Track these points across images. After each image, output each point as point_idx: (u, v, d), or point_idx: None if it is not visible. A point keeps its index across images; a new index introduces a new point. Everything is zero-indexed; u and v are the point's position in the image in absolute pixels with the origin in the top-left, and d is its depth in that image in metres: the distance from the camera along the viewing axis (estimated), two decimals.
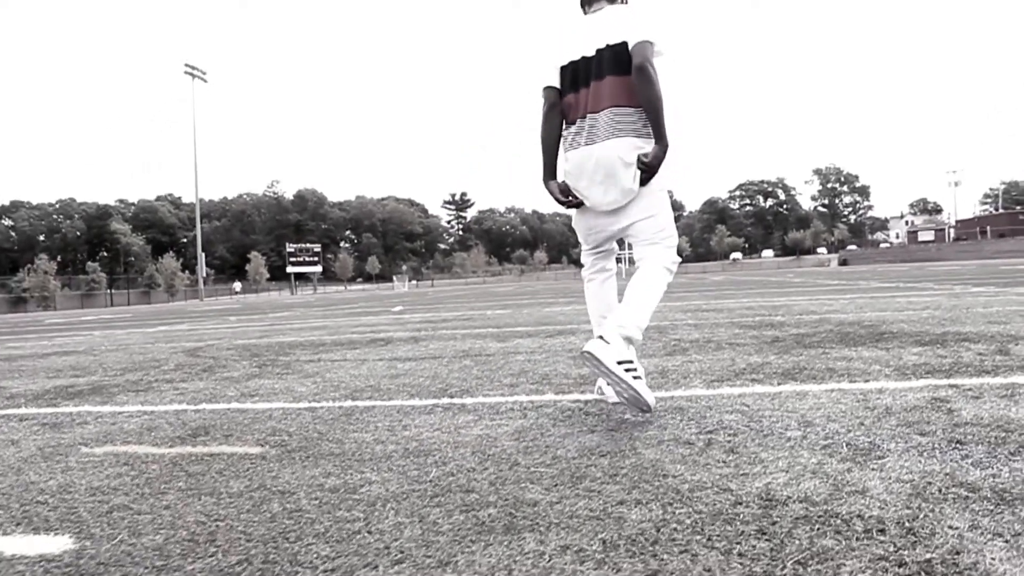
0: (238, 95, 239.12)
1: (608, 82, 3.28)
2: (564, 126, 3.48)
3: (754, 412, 3.03)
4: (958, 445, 2.34)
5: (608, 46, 3.29)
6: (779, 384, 3.65)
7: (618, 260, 3.64)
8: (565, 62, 3.43)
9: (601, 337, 3.00)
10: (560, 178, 3.50)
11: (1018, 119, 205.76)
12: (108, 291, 79.56)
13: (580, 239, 3.66)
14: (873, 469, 2.13)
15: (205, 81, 74.02)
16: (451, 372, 4.86)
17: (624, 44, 3.24)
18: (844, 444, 2.43)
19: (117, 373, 6.04)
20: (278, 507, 2.13)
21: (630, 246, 3.48)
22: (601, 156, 3.26)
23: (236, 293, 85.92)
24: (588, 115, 3.31)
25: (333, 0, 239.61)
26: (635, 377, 2.98)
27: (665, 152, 3.18)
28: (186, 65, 71.74)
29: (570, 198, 3.44)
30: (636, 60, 3.18)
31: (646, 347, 5.53)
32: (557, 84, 3.46)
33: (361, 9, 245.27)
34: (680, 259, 3.56)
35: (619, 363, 2.94)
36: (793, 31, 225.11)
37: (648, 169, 3.20)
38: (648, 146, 3.22)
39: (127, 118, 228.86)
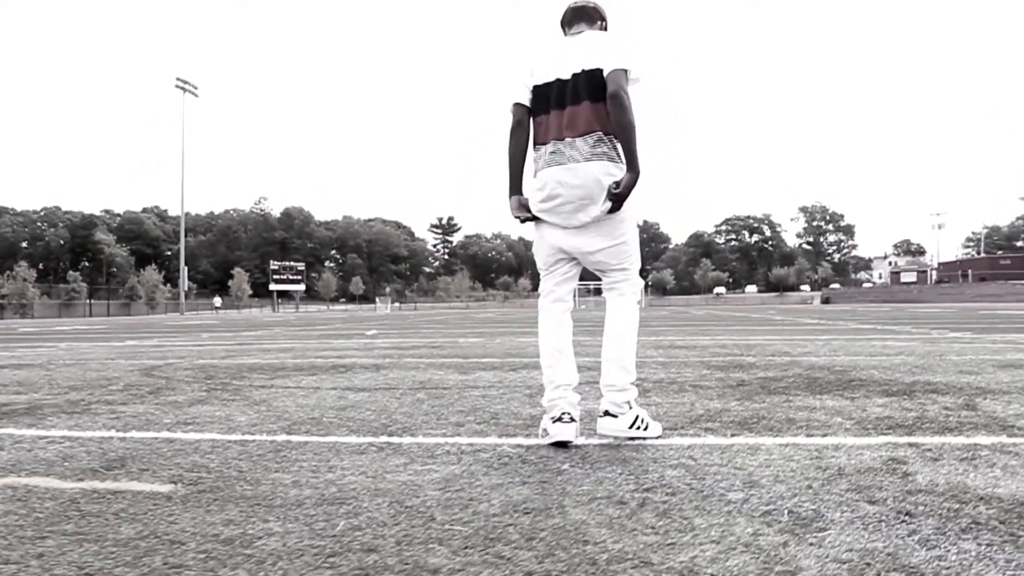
0: (228, 111, 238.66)
1: (586, 107, 3.29)
2: (535, 146, 3.48)
3: (699, 467, 2.85)
4: (907, 518, 2.16)
5: (584, 71, 3.31)
6: (733, 436, 3.47)
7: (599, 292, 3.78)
8: (540, 82, 3.43)
9: (607, 412, 3.34)
10: (527, 195, 3.50)
11: (1001, 165, 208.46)
12: (88, 301, 78.82)
13: (539, 262, 3.60)
14: (811, 544, 1.95)
15: (196, 95, 73.83)
16: (400, 406, 4.66)
17: (599, 70, 3.28)
18: (786, 511, 2.25)
19: (62, 392, 5.80)
20: (160, 561, 1.94)
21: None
22: (579, 177, 3.26)
23: (217, 309, 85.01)
24: (566, 138, 3.31)
25: (327, 21, 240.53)
26: (645, 428, 3.38)
27: (636, 180, 3.22)
28: (178, 79, 71.53)
29: (526, 213, 3.46)
30: (610, 88, 3.22)
31: None
32: (526, 101, 3.46)
33: (354, 31, 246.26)
34: (643, 282, 3.56)
35: (631, 426, 3.34)
36: (784, 69, 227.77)
37: (618, 198, 3.23)
38: (621, 173, 3.26)
39: (116, 129, 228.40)
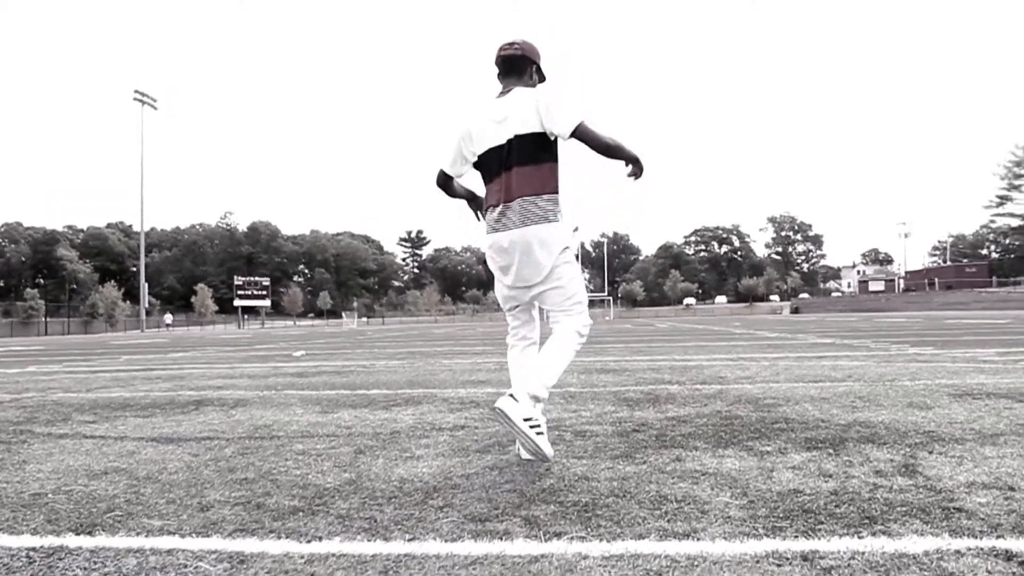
0: (193, 124, 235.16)
1: (516, 173, 3.47)
2: (484, 208, 3.71)
3: None
4: None
5: (517, 136, 3.45)
6: (549, 539, 2.36)
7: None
8: (480, 150, 3.60)
9: (511, 395, 3.23)
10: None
11: (965, 175, 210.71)
12: (44, 319, 76.62)
13: (500, 303, 3.85)
14: None
15: (155, 108, 72.72)
16: (177, 471, 3.56)
17: (531, 135, 3.43)
18: None
19: None
20: None
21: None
22: (515, 240, 3.47)
23: (168, 326, 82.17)
24: (503, 203, 3.50)
25: (291, 35, 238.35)
26: (538, 433, 3.24)
27: (640, 165, 3.49)
28: (136, 91, 70.34)
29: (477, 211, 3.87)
30: (590, 145, 3.40)
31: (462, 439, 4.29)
32: (448, 170, 3.75)
33: (320, 45, 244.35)
34: (592, 322, 3.76)
35: (525, 419, 3.19)
36: (751, 79, 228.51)
37: (637, 174, 3.52)
38: (555, 231, 3.47)
39: (80, 143, 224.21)
